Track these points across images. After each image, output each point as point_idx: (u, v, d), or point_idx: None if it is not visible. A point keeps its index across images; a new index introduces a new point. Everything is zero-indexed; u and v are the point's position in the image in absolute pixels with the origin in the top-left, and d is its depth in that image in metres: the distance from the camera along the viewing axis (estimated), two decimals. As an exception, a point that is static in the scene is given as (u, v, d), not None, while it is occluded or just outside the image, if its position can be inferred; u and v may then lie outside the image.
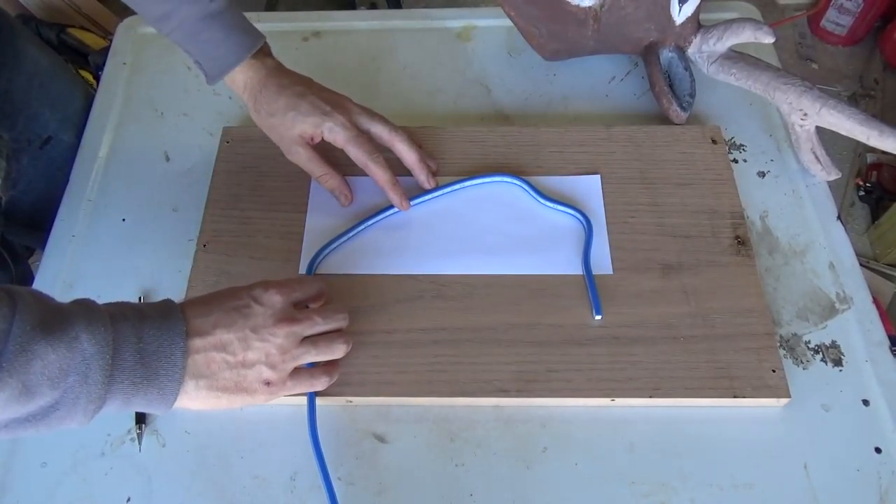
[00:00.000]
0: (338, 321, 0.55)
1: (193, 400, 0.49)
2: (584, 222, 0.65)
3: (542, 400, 0.57)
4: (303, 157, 0.64)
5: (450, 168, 0.68)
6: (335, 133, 0.62)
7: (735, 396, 0.56)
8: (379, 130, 0.65)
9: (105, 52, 0.85)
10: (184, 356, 0.46)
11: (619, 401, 0.56)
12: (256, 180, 0.68)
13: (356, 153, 0.63)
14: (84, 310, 0.43)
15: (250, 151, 0.70)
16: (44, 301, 0.42)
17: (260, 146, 0.70)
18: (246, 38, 0.63)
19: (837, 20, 1.91)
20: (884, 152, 0.97)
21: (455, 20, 0.85)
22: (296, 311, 0.52)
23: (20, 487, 0.55)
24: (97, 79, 1.36)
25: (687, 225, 0.65)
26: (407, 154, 0.65)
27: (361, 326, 0.59)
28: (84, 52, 1.58)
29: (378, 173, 0.63)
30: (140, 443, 0.56)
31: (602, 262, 0.63)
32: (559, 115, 0.76)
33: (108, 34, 1.68)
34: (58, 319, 0.40)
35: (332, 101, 0.64)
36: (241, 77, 0.64)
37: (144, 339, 0.44)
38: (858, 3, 1.84)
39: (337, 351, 0.54)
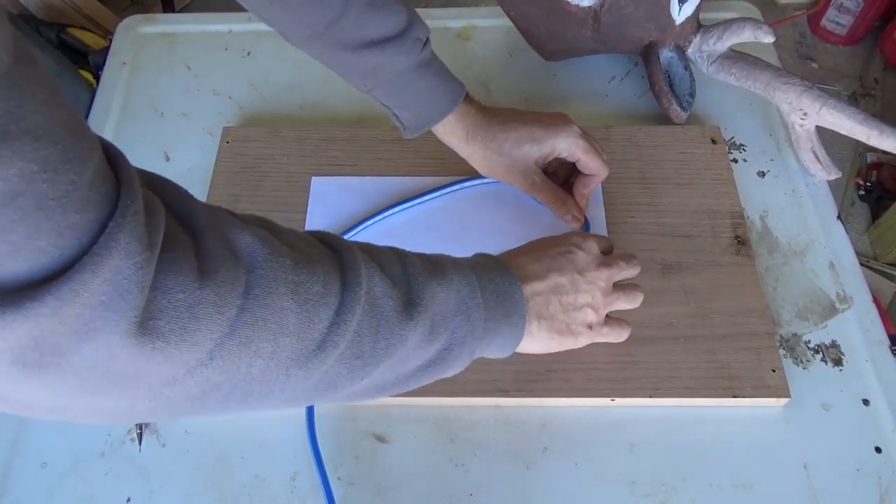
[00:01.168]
0: (635, 267, 0.55)
1: (534, 341, 0.50)
2: (585, 223, 0.65)
3: (542, 400, 0.57)
4: (541, 184, 0.61)
5: (450, 168, 0.68)
6: (574, 146, 0.60)
7: (735, 396, 0.56)
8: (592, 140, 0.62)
9: (105, 51, 0.85)
10: (524, 298, 0.48)
11: (619, 401, 0.56)
12: (256, 180, 0.68)
13: (594, 164, 0.60)
14: (445, 256, 0.45)
15: (250, 151, 0.70)
16: (407, 251, 0.44)
17: (260, 146, 0.71)
18: (456, 83, 0.59)
19: (837, 19, 1.91)
20: (884, 152, 0.97)
21: (455, 20, 0.85)
22: (607, 258, 0.54)
23: (20, 487, 0.55)
24: (97, 78, 1.36)
25: (687, 225, 0.65)
26: (602, 171, 0.62)
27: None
28: (84, 51, 1.58)
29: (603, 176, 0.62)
30: (140, 442, 0.56)
31: (602, 261, 0.63)
32: (559, 114, 0.76)
33: (107, 34, 1.68)
34: (431, 262, 0.42)
35: (555, 117, 0.61)
36: (461, 125, 0.60)
37: (495, 280, 0.46)
38: (858, 2, 1.84)
39: (637, 299, 0.55)
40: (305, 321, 0.34)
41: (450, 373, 0.45)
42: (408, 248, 0.65)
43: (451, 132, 0.60)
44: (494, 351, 0.48)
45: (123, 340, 0.27)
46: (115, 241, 0.26)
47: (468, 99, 0.60)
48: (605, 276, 0.52)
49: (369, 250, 0.41)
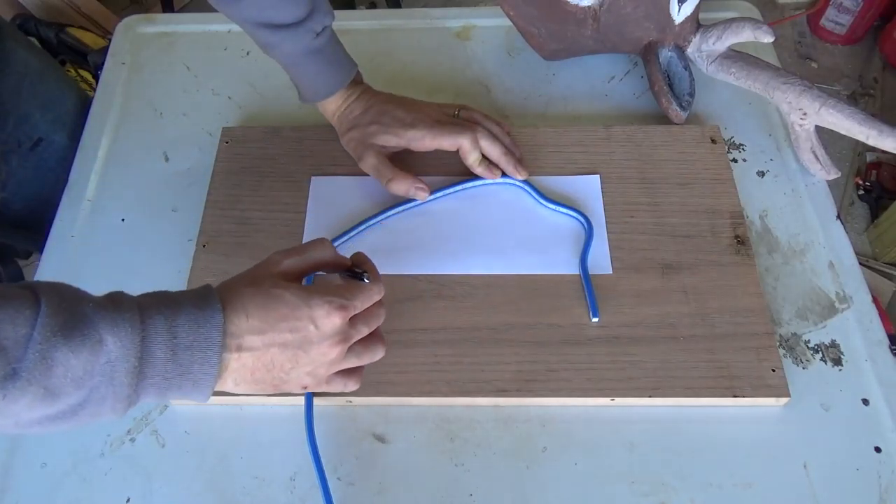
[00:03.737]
0: (378, 319, 0.51)
1: (230, 390, 0.47)
2: (585, 224, 0.65)
3: (542, 400, 0.57)
4: (373, 163, 0.65)
5: (450, 168, 0.68)
6: (418, 140, 0.65)
7: (735, 396, 0.56)
8: (467, 115, 0.68)
9: (104, 51, 0.85)
10: (221, 364, 0.44)
11: (619, 401, 0.56)
12: (256, 180, 0.68)
13: (446, 144, 0.65)
14: (112, 307, 0.41)
15: (249, 152, 0.70)
16: (68, 300, 0.40)
17: (259, 146, 0.71)
18: (340, 74, 0.66)
19: (837, 19, 1.91)
20: (883, 151, 0.97)
21: (454, 20, 0.85)
22: (350, 325, 0.48)
23: (20, 487, 0.55)
24: (96, 78, 1.36)
25: (686, 225, 0.65)
26: (490, 147, 0.66)
27: (361, 326, 0.59)
28: (83, 51, 1.58)
29: (467, 157, 0.65)
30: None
31: (602, 261, 0.63)
32: (558, 114, 0.76)
33: (107, 34, 1.68)
34: (82, 322, 0.39)
35: (414, 111, 0.66)
36: (332, 107, 0.68)
37: (178, 334, 0.42)
38: (858, 1, 1.84)
39: (377, 354, 0.51)
40: None
41: (102, 420, 0.42)
42: (408, 249, 0.66)
43: (325, 109, 0.68)
44: (178, 398, 0.44)
45: None
46: None
47: (356, 84, 0.67)
48: (336, 352, 0.47)
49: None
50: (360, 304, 0.48)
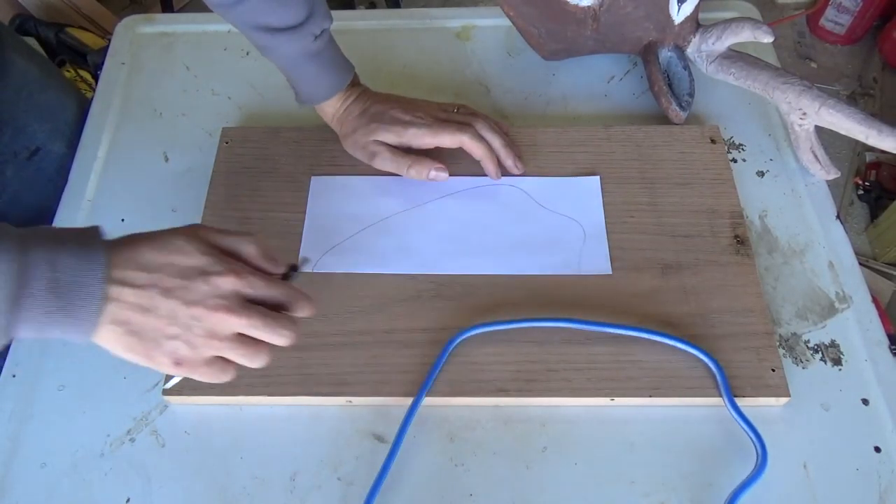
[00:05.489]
0: (281, 337, 0.46)
1: (108, 342, 0.44)
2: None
3: (542, 400, 0.57)
4: (388, 156, 0.65)
5: (450, 169, 0.68)
6: (419, 137, 0.65)
7: (735, 396, 0.56)
8: (461, 117, 0.68)
9: (104, 51, 0.85)
10: (103, 297, 0.42)
11: (619, 401, 0.56)
12: (255, 180, 0.68)
13: (447, 140, 0.65)
14: (12, 237, 0.40)
15: (249, 152, 0.70)
16: None
17: (259, 146, 0.71)
18: (338, 76, 0.67)
19: (836, 19, 1.91)
20: (883, 151, 0.97)
21: (454, 20, 0.85)
22: (244, 303, 0.45)
23: (20, 487, 0.55)
24: (96, 78, 1.36)
25: (686, 225, 0.65)
26: (491, 139, 0.67)
27: (361, 326, 0.59)
28: (83, 51, 1.58)
29: (472, 148, 0.66)
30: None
31: (601, 262, 0.63)
32: (558, 114, 0.76)
33: (106, 34, 1.68)
34: None
35: (412, 109, 0.66)
36: (331, 109, 0.68)
37: (59, 268, 0.41)
38: (857, 1, 1.84)
39: (257, 361, 0.47)
40: None
41: None
42: (408, 248, 0.66)
43: (323, 111, 0.69)
44: (60, 336, 0.42)
45: None
46: None
47: (353, 86, 0.68)
48: (217, 322, 0.44)
49: None
50: (261, 289, 0.46)
